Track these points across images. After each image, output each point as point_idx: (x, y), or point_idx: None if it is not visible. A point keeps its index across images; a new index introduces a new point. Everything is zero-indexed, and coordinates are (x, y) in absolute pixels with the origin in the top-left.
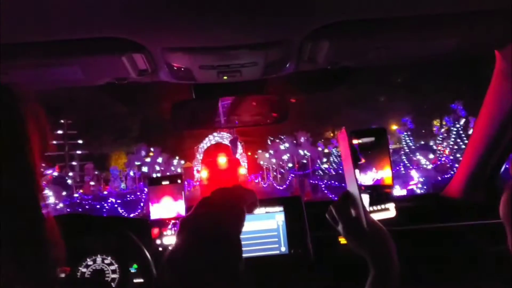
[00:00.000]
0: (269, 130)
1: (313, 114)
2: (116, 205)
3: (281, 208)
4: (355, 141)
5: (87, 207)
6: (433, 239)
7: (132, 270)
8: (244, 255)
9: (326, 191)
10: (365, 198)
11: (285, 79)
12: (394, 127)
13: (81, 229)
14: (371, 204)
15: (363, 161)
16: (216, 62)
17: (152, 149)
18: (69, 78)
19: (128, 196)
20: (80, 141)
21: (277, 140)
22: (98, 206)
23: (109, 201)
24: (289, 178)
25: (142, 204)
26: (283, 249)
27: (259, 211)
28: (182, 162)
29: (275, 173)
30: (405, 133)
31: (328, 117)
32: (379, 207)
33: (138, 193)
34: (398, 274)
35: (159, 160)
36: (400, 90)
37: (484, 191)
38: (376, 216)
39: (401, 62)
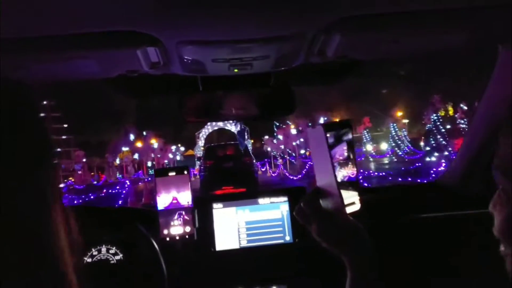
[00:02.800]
0: None
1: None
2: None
3: (285, 198)
4: (330, 135)
5: None
6: (429, 228)
7: (138, 260)
8: (249, 244)
9: (365, 183)
10: (345, 194)
11: (293, 71)
12: (399, 113)
13: (87, 220)
14: (348, 198)
15: (344, 156)
16: (229, 55)
17: (144, 133)
18: (84, 71)
19: (106, 189)
20: (65, 125)
21: (284, 126)
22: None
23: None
24: (306, 167)
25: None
26: (287, 238)
27: (264, 201)
28: (182, 148)
29: (280, 160)
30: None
31: (337, 105)
32: (346, 201)
33: (118, 187)
34: (377, 271)
35: (154, 145)
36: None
37: (480, 181)
38: (351, 210)
39: (410, 56)
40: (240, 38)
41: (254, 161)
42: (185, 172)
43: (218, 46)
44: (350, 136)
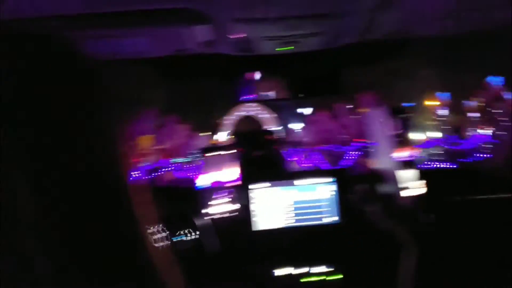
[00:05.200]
0: None
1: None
2: None
3: (333, 179)
4: (392, 118)
5: None
6: (471, 211)
7: (177, 239)
8: (296, 224)
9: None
10: (407, 175)
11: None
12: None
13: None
14: (406, 181)
15: (403, 138)
16: (280, 32)
17: (166, 118)
18: (135, 49)
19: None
20: None
21: (316, 113)
22: None
23: None
24: (345, 156)
25: None
26: (335, 218)
27: (311, 181)
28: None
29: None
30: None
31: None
32: (401, 185)
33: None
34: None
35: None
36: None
37: None
38: (410, 193)
39: (463, 33)
40: (293, 14)
41: (288, 151)
42: (234, 150)
43: (271, 22)
44: (409, 120)
